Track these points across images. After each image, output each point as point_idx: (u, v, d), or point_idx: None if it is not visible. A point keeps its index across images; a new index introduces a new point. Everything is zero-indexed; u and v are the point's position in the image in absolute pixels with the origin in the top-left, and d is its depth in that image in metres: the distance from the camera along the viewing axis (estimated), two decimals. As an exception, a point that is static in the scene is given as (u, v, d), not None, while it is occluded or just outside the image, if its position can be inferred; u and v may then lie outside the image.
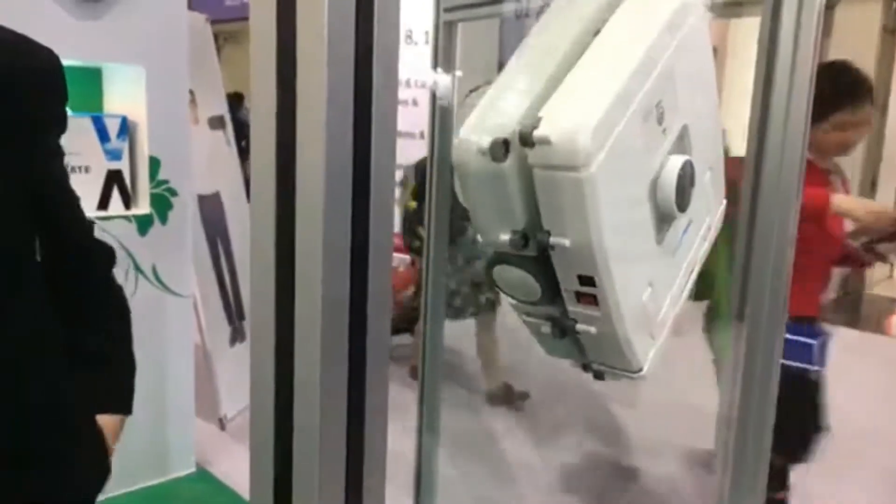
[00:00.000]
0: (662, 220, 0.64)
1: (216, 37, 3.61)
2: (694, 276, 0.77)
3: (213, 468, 2.93)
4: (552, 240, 0.56)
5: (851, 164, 6.35)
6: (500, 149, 0.52)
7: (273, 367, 0.40)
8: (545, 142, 0.50)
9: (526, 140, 0.52)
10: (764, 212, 1.00)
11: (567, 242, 0.56)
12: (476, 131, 0.57)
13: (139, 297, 2.59)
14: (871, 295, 6.73)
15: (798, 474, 3.08)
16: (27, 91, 0.93)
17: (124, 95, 2.60)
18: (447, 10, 1.63)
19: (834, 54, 5.72)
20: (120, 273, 2.76)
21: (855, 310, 6.44)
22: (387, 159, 0.40)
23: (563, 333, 0.67)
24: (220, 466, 2.94)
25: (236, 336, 3.36)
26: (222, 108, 3.46)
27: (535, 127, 0.52)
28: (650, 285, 0.67)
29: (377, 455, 0.41)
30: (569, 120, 0.52)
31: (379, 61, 0.40)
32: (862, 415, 3.80)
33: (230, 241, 3.33)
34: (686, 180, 0.61)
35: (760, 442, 1.02)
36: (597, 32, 0.58)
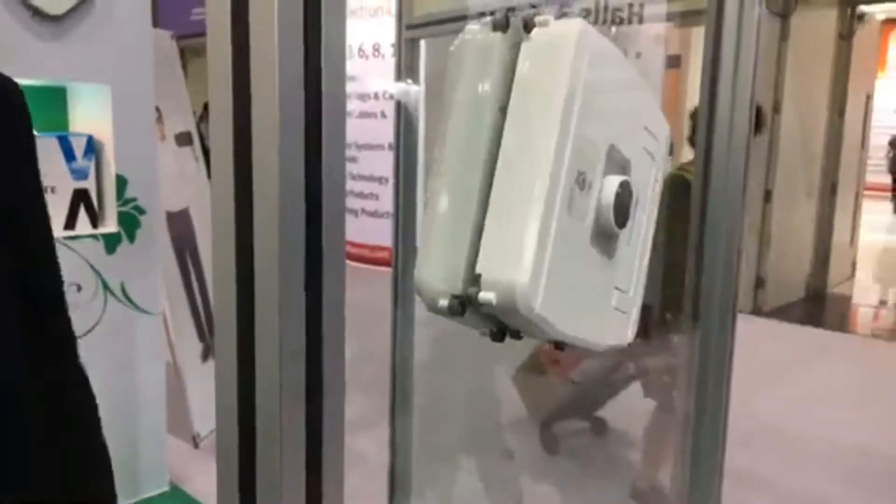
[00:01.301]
0: (610, 238, 0.66)
1: (182, 52, 3.61)
2: (653, 224, 0.78)
3: (188, 486, 2.91)
4: (523, 334, 0.61)
5: (810, 168, 6.50)
6: (457, 308, 0.57)
7: (236, 367, 0.42)
8: (489, 303, 0.55)
9: (472, 302, 0.56)
10: (713, 215, 1.05)
11: (536, 338, 0.61)
12: (431, 282, 0.60)
13: (108, 315, 2.58)
14: (833, 294, 6.88)
15: (767, 470, 3.14)
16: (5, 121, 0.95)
17: (90, 114, 2.59)
18: (409, 27, 1.66)
19: (791, 60, 5.86)
20: (88, 292, 2.73)
21: (819, 309, 6.59)
22: (337, 164, 0.42)
23: (558, 346, 0.72)
24: (195, 484, 2.93)
25: (208, 352, 3.35)
26: (189, 125, 3.46)
27: (477, 290, 0.56)
28: (616, 289, 0.70)
29: (335, 454, 0.43)
30: (504, 275, 0.55)
31: (327, 68, 0.43)
32: (829, 409, 3.89)
33: (200, 258, 3.33)
34: (623, 200, 0.63)
35: (716, 439, 1.07)
36: (504, 108, 0.59)
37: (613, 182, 0.62)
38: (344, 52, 0.47)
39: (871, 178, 13.73)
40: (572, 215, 0.59)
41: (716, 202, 1.06)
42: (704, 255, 1.07)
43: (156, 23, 2.79)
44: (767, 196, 6.00)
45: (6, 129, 0.94)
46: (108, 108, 2.53)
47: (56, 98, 2.58)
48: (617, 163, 0.64)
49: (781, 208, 6.09)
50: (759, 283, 6.08)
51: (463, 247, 0.58)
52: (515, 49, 0.59)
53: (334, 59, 0.45)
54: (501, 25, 0.60)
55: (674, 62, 6.56)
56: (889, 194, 14.45)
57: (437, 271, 0.59)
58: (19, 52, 2.29)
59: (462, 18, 1.60)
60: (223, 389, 0.42)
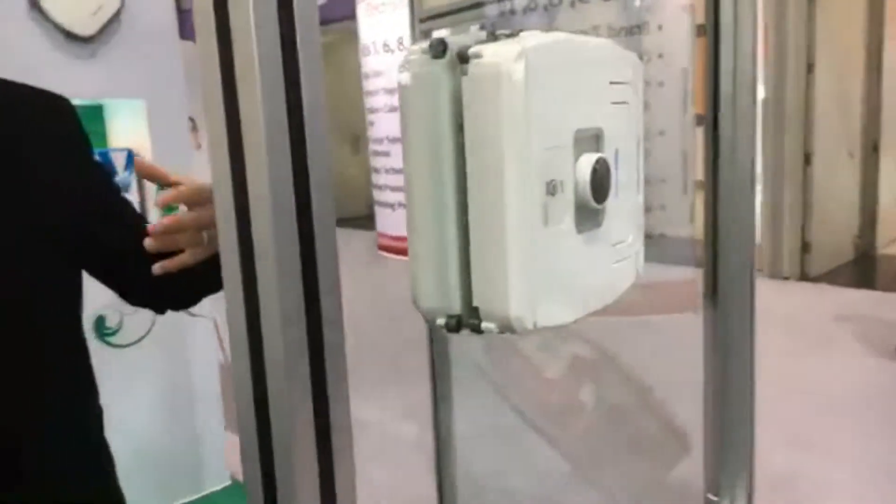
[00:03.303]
0: (596, 212, 0.64)
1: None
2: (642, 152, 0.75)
3: (247, 480, 3.01)
4: None
5: (850, 127, 6.35)
6: (454, 326, 0.59)
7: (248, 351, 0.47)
8: (492, 331, 0.57)
9: (476, 330, 0.58)
10: (724, 184, 1.06)
11: None
12: (426, 303, 0.61)
13: (161, 322, 2.69)
14: (883, 255, 6.72)
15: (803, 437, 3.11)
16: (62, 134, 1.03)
17: (127, 129, 2.69)
18: (422, 20, 1.69)
19: (822, 19, 5.73)
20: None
21: (870, 271, 6.45)
22: (321, 157, 0.46)
23: None
24: (253, 478, 3.02)
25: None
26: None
27: (478, 321, 0.58)
28: (614, 245, 0.69)
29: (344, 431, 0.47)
30: (498, 308, 0.57)
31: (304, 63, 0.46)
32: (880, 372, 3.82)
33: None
34: (601, 176, 0.61)
35: (743, 416, 1.09)
36: (461, 126, 0.57)
37: (586, 164, 0.61)
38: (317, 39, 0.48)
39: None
40: (550, 225, 0.59)
41: (726, 171, 1.07)
42: (720, 222, 1.08)
43: (182, 34, 2.87)
44: (807, 159, 5.89)
45: (68, 132, 1.04)
46: (144, 121, 2.62)
47: (95, 116, 2.69)
48: (587, 139, 0.63)
49: (823, 170, 5.97)
50: (805, 248, 5.98)
51: (453, 274, 0.59)
52: (459, 74, 0.56)
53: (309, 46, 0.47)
54: (438, 52, 0.56)
55: (703, 31, 6.45)
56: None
57: (430, 295, 0.60)
58: (58, 73, 2.39)
59: (471, 7, 1.64)
60: (240, 384, 0.47)
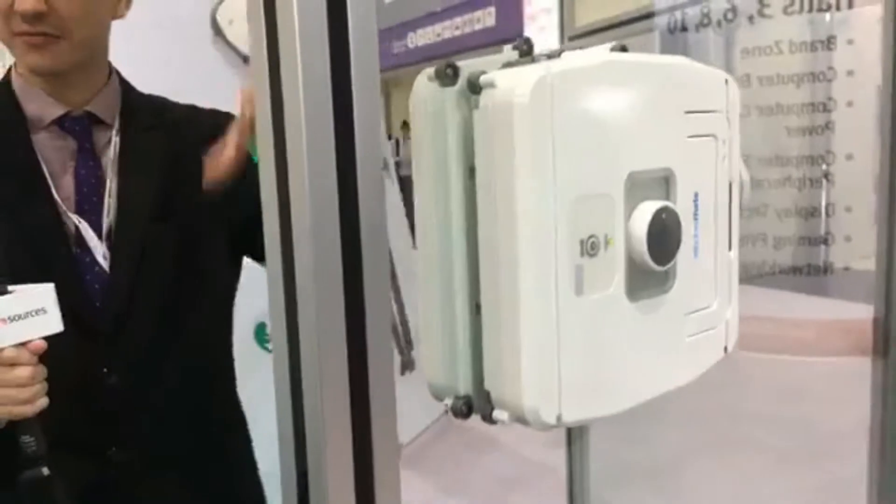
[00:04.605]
0: (661, 275, 0.52)
1: (385, 83, 3.84)
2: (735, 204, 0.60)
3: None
4: None
5: None
6: (462, 410, 0.51)
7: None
8: (505, 421, 0.48)
9: (487, 419, 0.50)
10: None
11: None
12: (433, 378, 0.54)
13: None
14: None
15: None
16: None
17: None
18: (571, 38, 1.65)
19: None
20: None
21: None
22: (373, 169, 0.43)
23: None
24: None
25: (406, 365, 3.50)
26: (385, 151, 3.66)
27: (491, 407, 0.50)
28: (690, 314, 0.56)
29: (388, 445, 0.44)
30: (510, 396, 0.48)
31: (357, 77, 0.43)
32: None
33: (396, 274, 3.49)
34: (663, 231, 0.49)
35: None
36: (472, 169, 0.48)
37: (643, 215, 0.48)
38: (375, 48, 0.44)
39: None
40: (586, 293, 0.47)
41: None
42: (894, 263, 0.94)
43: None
44: None
45: None
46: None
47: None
48: (650, 183, 0.51)
49: None
50: None
51: (462, 349, 0.50)
52: (469, 105, 0.48)
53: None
54: (447, 80, 0.47)
55: None
56: None
57: (437, 369, 0.52)
58: (235, 94, 2.56)
59: (629, 22, 1.55)
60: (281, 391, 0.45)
